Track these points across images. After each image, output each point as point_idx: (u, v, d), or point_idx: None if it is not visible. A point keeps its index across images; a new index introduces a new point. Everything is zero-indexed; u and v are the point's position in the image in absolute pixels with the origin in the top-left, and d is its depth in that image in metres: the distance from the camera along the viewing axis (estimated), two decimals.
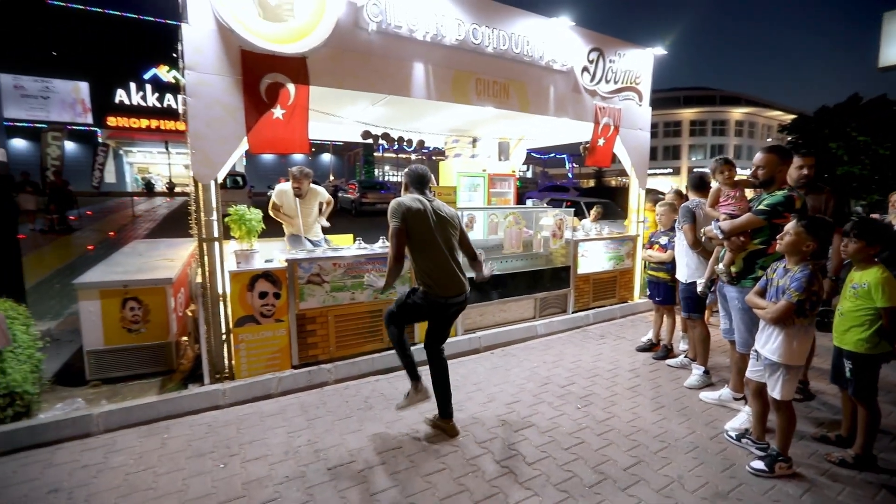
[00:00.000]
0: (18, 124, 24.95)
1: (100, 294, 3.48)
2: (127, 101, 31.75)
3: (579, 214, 10.70)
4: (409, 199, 2.60)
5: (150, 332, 3.63)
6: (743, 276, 2.76)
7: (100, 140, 29.15)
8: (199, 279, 3.41)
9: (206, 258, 3.25)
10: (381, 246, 4.08)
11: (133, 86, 32.03)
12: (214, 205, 3.25)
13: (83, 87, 28.57)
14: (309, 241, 4.82)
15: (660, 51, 5.54)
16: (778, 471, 2.40)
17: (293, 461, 2.56)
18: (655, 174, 46.28)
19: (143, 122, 32.09)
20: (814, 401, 3.34)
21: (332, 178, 34.27)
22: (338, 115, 4.86)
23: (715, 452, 2.66)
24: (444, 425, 2.83)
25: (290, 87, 3.28)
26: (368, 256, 3.82)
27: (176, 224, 14.44)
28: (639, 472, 2.47)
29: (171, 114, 32.89)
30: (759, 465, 2.44)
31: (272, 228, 4.75)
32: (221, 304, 3.32)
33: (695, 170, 4.00)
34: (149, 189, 31.88)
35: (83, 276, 3.68)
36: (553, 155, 34.29)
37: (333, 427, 2.93)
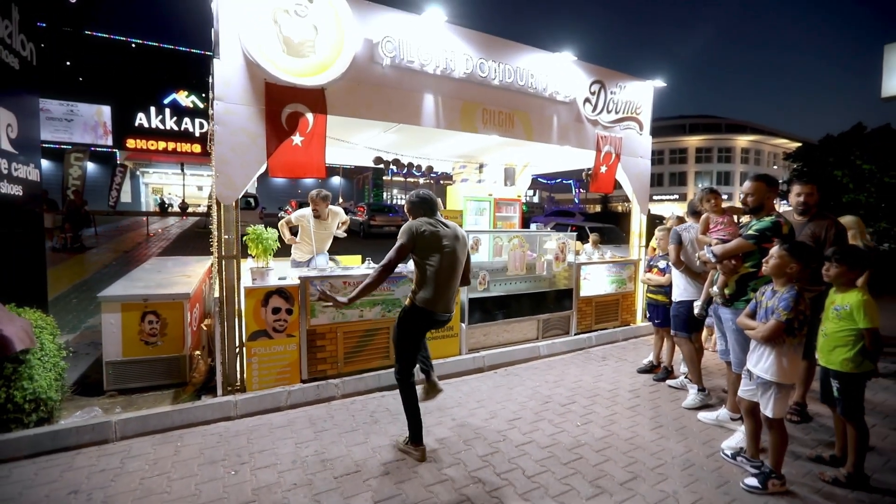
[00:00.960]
0: (43, 146, 25.93)
1: (121, 307, 3.66)
2: (146, 125, 32.86)
3: (583, 239, 10.86)
4: (421, 221, 2.73)
5: (166, 345, 3.79)
6: (736, 298, 2.88)
7: (118, 161, 30.08)
8: (215, 294, 3.59)
9: (224, 274, 3.44)
10: None
11: (153, 109, 33.21)
12: (234, 224, 3.45)
13: (105, 110, 29.74)
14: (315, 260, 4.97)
15: (659, 83, 5.79)
16: (771, 487, 2.46)
17: (301, 470, 2.67)
18: (662, 200, 46.58)
19: (161, 145, 33.08)
20: (812, 422, 3.40)
21: (341, 200, 34.88)
22: (350, 142, 5.13)
23: (710, 470, 2.73)
24: (413, 451, 2.81)
25: (309, 116, 3.53)
26: None
27: (188, 243, 14.78)
28: (634, 486, 2.55)
29: (187, 137, 33.94)
30: (753, 481, 2.51)
31: (286, 248, 4.94)
32: (236, 318, 3.48)
33: (692, 197, 4.17)
34: (163, 208, 32.57)
35: (106, 289, 3.88)
36: (560, 180, 34.74)
37: (340, 439, 3.04)
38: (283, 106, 3.46)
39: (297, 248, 5.12)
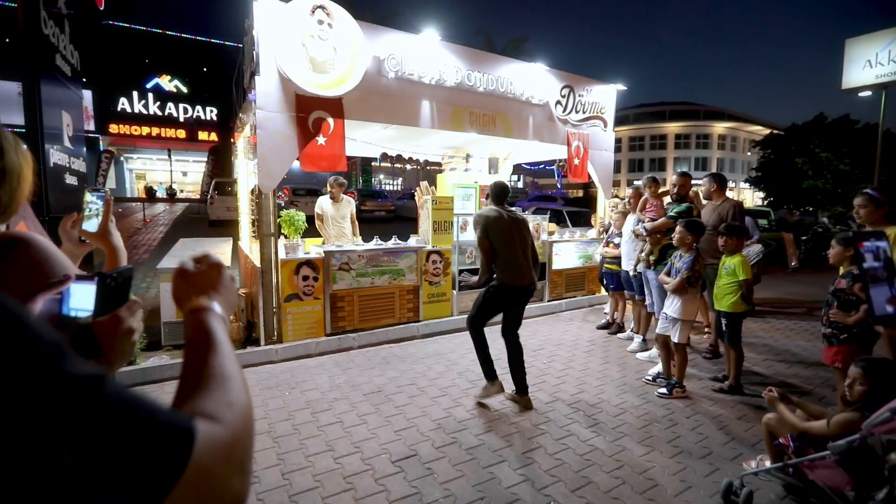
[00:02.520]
0: (18, 130, 25.67)
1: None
2: (129, 109, 32.54)
3: (562, 222, 11.87)
4: (488, 210, 3.29)
5: None
6: (658, 262, 3.88)
7: (103, 147, 29.92)
8: (250, 265, 4.45)
9: (264, 249, 4.29)
10: (394, 243, 5.14)
11: (135, 94, 32.86)
12: (271, 209, 4.30)
13: (86, 94, 29.36)
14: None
15: (621, 87, 6.73)
16: (675, 393, 3.49)
17: (338, 391, 3.60)
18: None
19: (145, 130, 32.84)
20: (720, 359, 4.46)
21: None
22: (355, 139, 5.95)
23: (636, 388, 3.75)
24: (520, 399, 3.34)
25: (331, 120, 4.37)
26: (386, 250, 4.90)
27: (186, 227, 15.35)
28: (580, 397, 3.55)
29: (171, 122, 33.77)
30: (663, 390, 3.54)
31: (312, 228, 5.78)
32: (275, 284, 4.36)
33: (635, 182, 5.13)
34: (150, 194, 32.43)
35: (161, 262, 4.70)
36: (543, 166, 35.64)
37: (362, 373, 3.98)
38: (309, 112, 4.29)
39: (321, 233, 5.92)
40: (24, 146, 0.78)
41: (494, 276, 3.38)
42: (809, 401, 2.67)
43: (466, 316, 3.56)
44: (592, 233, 7.08)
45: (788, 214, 17.34)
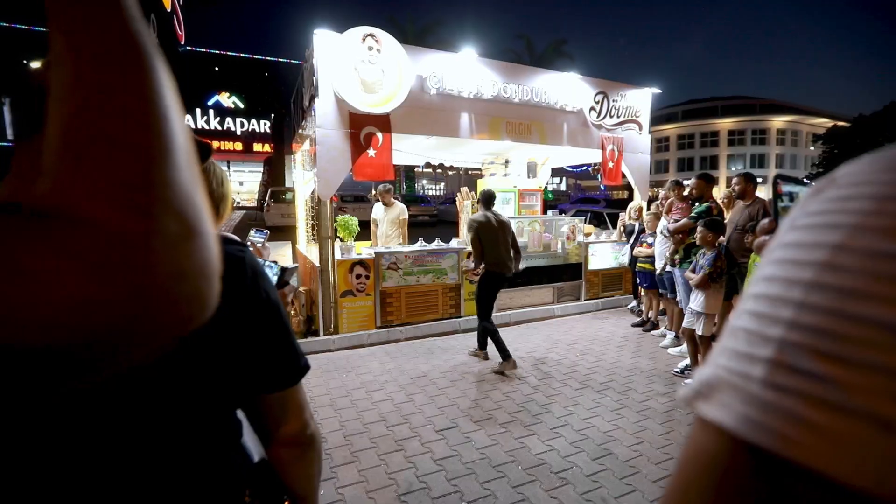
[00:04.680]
0: None
1: None
2: (194, 126, 35.27)
3: (603, 224, 11.92)
4: (478, 216, 4.12)
5: None
6: (683, 261, 4.08)
7: None
8: (310, 265, 5.02)
9: (322, 250, 4.86)
10: (437, 245, 5.59)
11: (198, 111, 35.61)
12: (329, 214, 4.87)
13: None
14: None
15: (655, 90, 6.86)
16: None
17: (388, 375, 4.07)
18: None
19: None
20: None
21: (373, 192, 36.62)
22: (400, 150, 6.47)
23: (664, 379, 3.97)
24: (506, 364, 4.03)
25: (379, 135, 4.89)
26: (429, 251, 5.36)
27: (246, 234, 16.58)
28: (610, 385, 3.82)
29: (229, 135, 36.30)
30: (690, 381, 3.73)
31: (363, 232, 6.35)
32: (332, 281, 4.92)
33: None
34: None
35: None
36: (585, 168, 35.16)
37: (409, 361, 4.43)
38: (361, 128, 4.82)
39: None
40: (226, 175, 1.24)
41: (484, 265, 4.15)
42: None
43: (477, 316, 4.31)
44: (614, 235, 7.21)
45: None
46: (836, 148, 23.10)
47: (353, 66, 4.71)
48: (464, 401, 3.53)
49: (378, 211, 6.33)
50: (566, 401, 3.54)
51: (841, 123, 25.04)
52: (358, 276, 5.01)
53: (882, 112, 22.01)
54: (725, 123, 49.25)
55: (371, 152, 4.87)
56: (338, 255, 5.01)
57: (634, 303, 6.23)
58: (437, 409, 3.40)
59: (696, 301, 3.68)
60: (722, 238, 3.71)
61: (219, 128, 36.17)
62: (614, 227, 11.24)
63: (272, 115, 36.61)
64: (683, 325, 3.86)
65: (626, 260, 6.00)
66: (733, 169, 48.65)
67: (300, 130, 5.95)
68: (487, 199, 4.24)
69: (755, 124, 48.40)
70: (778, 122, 48.35)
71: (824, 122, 47.60)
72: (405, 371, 4.15)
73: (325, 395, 3.64)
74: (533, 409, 3.38)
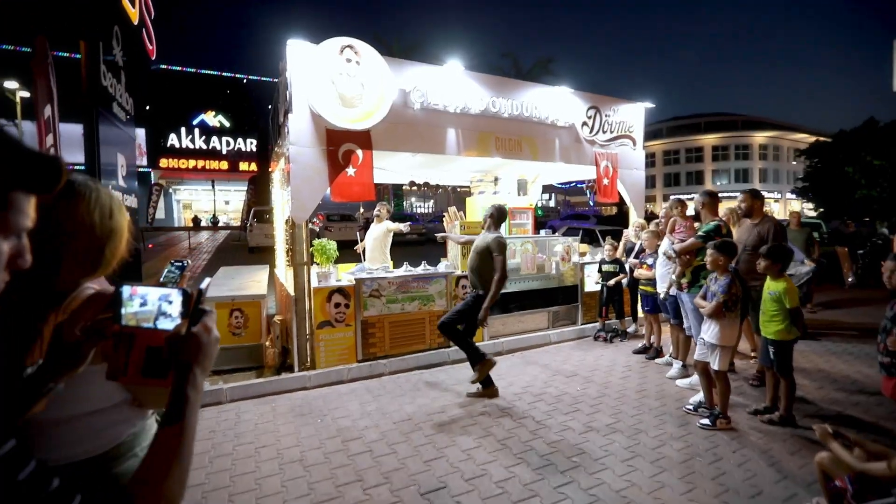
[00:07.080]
0: (78, 167, 27.90)
1: (215, 305, 4.69)
2: (177, 145, 34.80)
3: (595, 242, 11.62)
4: (502, 235, 4.08)
5: (248, 336, 4.80)
6: (691, 285, 3.73)
7: (153, 181, 32.02)
8: (285, 294, 4.59)
9: (297, 277, 4.43)
10: (423, 269, 5.19)
11: (183, 130, 35.17)
12: (304, 239, 4.45)
13: (140, 132, 31.74)
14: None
15: (649, 104, 6.64)
16: (719, 425, 3.29)
17: (368, 418, 3.62)
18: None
19: (191, 163, 35.01)
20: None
21: (361, 210, 36.21)
22: (385, 168, 6.11)
23: (676, 417, 3.57)
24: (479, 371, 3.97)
25: (359, 152, 4.52)
26: (414, 276, 4.95)
27: (228, 254, 16.06)
28: (617, 427, 3.41)
29: (214, 154, 35.82)
30: (706, 421, 3.35)
31: (344, 254, 5.95)
32: (308, 311, 4.48)
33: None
34: (196, 223, 34.18)
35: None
36: (574, 184, 35.30)
37: (393, 401, 3.98)
38: (339, 146, 4.45)
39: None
40: (124, 204, 0.87)
41: (479, 292, 4.02)
42: (869, 436, 2.46)
43: (440, 321, 4.14)
44: (599, 254, 6.86)
45: (843, 226, 16.34)
46: (819, 162, 23.38)
47: (330, 80, 4.36)
48: (454, 451, 3.09)
49: (370, 227, 6.05)
50: (569, 449, 3.11)
51: (822, 139, 25.40)
52: (337, 305, 4.58)
53: (861, 128, 22.41)
54: (709, 139, 50.12)
55: (350, 171, 4.50)
56: (315, 283, 4.58)
57: (599, 324, 5.89)
58: (423, 462, 2.96)
59: (710, 332, 3.32)
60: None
61: (204, 146, 35.73)
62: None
63: (257, 133, 36.27)
64: (696, 357, 3.49)
65: (624, 282, 5.66)
66: (718, 184, 49.35)
67: (276, 149, 5.57)
68: (502, 217, 4.19)
69: (738, 140, 49.31)
70: (760, 137, 49.34)
71: (805, 138, 48.64)
72: (387, 413, 3.70)
73: (295, 448, 3.17)
74: (533, 462, 2.95)
